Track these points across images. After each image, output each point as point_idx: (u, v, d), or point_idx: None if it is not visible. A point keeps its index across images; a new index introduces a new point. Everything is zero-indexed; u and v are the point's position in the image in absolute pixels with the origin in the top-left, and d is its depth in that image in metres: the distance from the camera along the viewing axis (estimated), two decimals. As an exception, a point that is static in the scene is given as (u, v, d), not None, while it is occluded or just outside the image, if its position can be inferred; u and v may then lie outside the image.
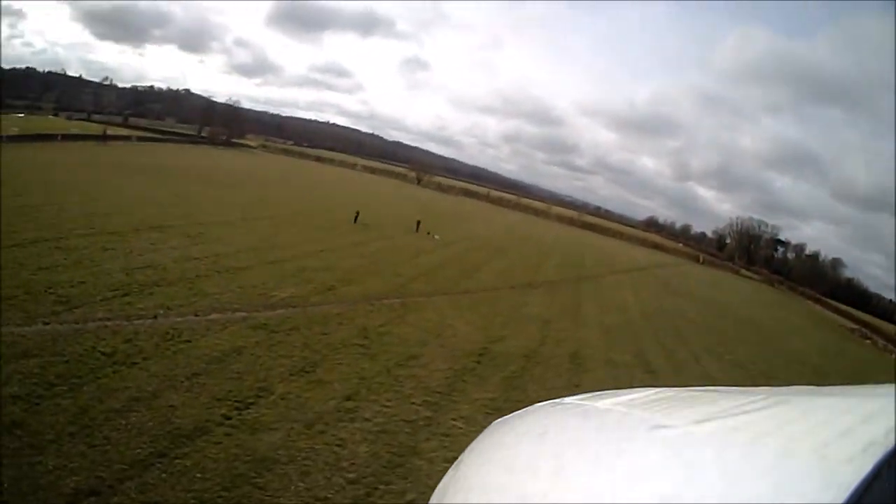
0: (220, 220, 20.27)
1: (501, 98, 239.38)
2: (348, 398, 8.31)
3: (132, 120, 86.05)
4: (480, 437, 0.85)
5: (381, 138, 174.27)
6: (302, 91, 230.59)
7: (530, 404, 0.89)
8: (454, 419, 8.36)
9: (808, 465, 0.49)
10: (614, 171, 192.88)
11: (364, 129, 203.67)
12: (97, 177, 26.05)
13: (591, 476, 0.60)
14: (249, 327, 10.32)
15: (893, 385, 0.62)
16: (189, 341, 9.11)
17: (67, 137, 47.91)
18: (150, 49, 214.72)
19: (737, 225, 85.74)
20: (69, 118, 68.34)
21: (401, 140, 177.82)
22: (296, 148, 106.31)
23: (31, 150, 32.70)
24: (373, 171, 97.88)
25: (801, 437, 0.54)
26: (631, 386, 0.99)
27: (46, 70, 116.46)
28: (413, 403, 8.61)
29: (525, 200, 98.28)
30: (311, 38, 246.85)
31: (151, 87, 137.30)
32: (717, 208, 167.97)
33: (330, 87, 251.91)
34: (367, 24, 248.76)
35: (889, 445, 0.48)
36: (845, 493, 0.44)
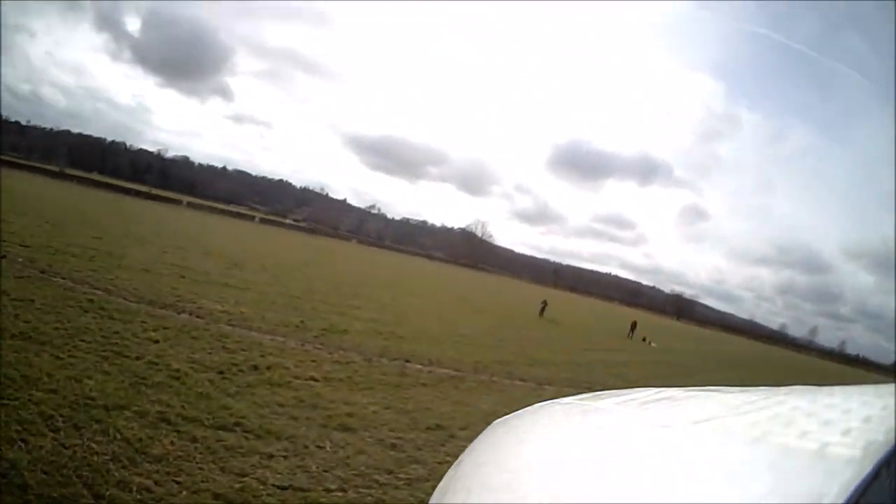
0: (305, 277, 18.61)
1: (775, 247, 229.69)
2: None
3: (390, 244, 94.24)
4: (480, 437, 0.82)
5: (660, 290, 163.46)
6: (585, 242, 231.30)
7: None
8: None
9: (808, 465, 0.48)
10: (871, 318, 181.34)
11: (646, 282, 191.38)
12: (215, 232, 29.83)
13: (591, 476, 0.58)
14: (79, 301, 7.40)
15: (893, 385, 0.61)
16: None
17: (242, 217, 56.36)
18: (425, 185, 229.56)
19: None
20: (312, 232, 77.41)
21: (681, 293, 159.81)
22: (547, 279, 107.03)
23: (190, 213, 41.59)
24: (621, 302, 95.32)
25: (801, 437, 0.53)
26: None
27: (302, 186, 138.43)
28: None
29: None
30: (591, 186, 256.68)
31: (424, 221, 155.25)
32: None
33: (612, 239, 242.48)
34: (646, 171, 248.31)
35: (889, 445, 0.47)
36: (845, 493, 0.42)
